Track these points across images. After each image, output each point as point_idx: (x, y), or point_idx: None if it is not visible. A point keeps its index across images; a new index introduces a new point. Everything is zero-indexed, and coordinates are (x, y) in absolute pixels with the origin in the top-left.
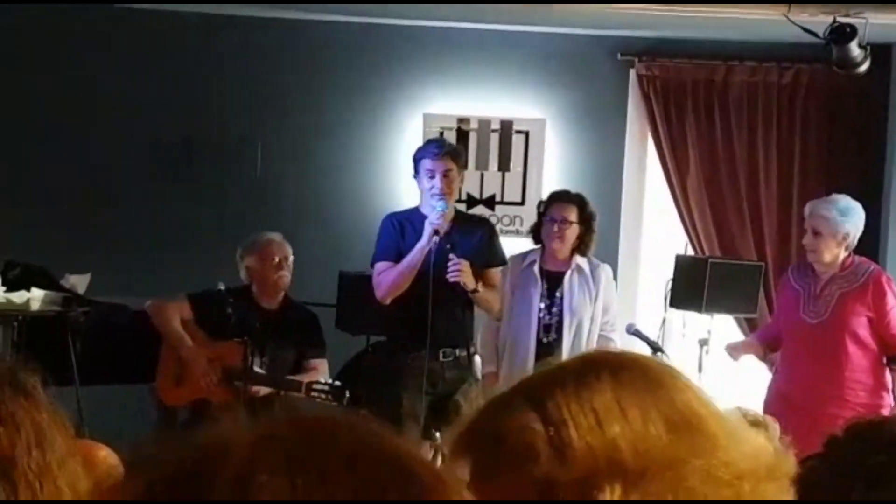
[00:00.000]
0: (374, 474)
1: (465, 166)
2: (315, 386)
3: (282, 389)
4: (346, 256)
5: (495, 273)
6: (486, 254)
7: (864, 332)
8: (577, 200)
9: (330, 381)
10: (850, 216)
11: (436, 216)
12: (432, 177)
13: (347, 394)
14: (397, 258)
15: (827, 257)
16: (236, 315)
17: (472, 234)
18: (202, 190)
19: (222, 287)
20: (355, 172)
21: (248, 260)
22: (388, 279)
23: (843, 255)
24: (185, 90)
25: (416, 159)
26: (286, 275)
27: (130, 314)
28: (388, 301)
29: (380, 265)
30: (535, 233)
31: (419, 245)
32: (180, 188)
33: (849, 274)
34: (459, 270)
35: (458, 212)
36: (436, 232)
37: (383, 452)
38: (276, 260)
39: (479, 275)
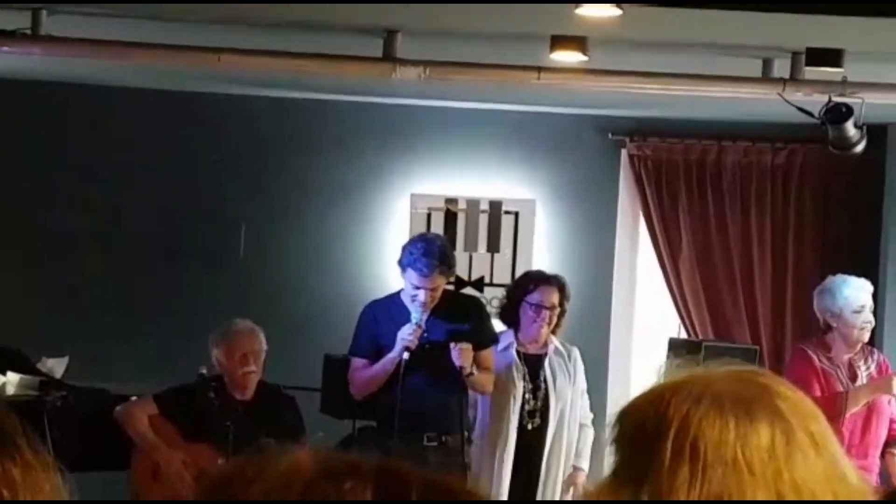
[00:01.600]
0: None
1: (451, 269)
2: None
3: None
4: (331, 339)
5: (488, 354)
6: (478, 335)
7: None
8: (559, 283)
9: None
10: None
11: (408, 332)
12: (416, 288)
13: None
14: (372, 352)
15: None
16: (218, 401)
17: (461, 314)
18: (183, 272)
19: (204, 371)
20: (341, 253)
21: (216, 351)
22: (361, 381)
23: None
24: (165, 171)
25: (403, 266)
26: (252, 370)
27: (110, 399)
28: (360, 398)
29: (355, 361)
30: (506, 316)
31: (390, 356)
32: (161, 271)
33: (864, 354)
34: (462, 352)
35: (447, 291)
36: (406, 348)
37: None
38: (242, 354)
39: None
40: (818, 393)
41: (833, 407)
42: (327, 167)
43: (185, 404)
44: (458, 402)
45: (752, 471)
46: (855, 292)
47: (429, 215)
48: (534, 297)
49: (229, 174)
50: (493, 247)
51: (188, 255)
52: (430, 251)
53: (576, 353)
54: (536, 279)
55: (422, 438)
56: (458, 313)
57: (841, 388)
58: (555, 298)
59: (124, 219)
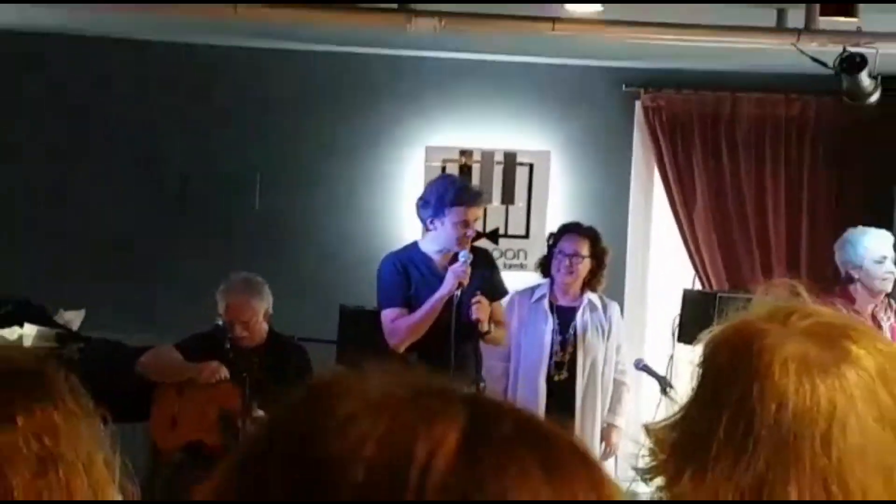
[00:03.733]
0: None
1: (483, 206)
2: None
3: None
4: (345, 291)
5: (500, 307)
6: (489, 287)
7: None
8: (590, 234)
9: None
10: None
11: (460, 267)
12: (465, 226)
13: None
14: (405, 303)
15: None
16: (231, 352)
17: (477, 267)
18: (199, 224)
19: (220, 322)
20: (356, 205)
21: (220, 305)
22: (406, 328)
23: None
24: (181, 123)
25: (448, 204)
26: (248, 336)
27: (126, 350)
28: (402, 349)
29: (390, 312)
30: (545, 266)
31: (440, 293)
32: (177, 222)
33: (885, 305)
34: (479, 305)
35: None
36: (459, 284)
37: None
38: (229, 320)
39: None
40: None
41: None
42: (341, 120)
43: (206, 351)
44: (478, 355)
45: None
46: (876, 242)
47: (444, 168)
48: (563, 246)
49: (244, 127)
50: (508, 198)
51: (203, 207)
52: (465, 184)
53: (614, 308)
54: (567, 229)
55: None
56: (475, 269)
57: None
58: (583, 248)
59: (140, 171)
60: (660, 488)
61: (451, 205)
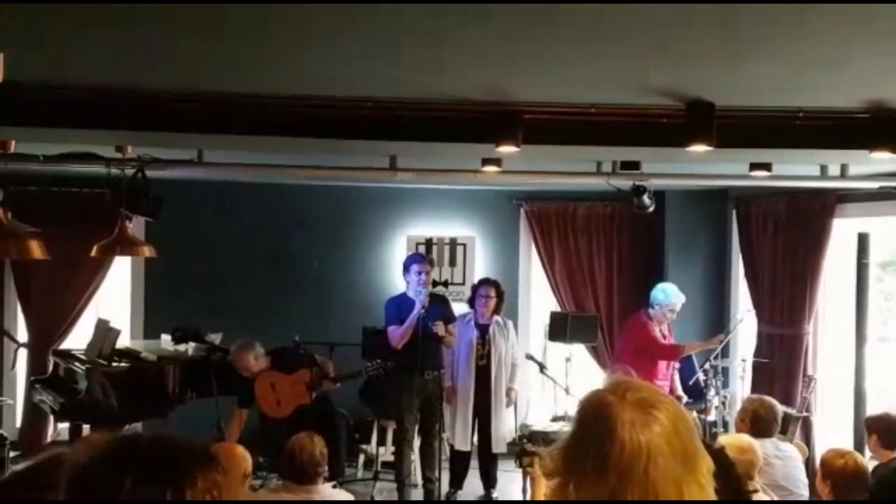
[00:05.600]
0: None
1: (433, 265)
2: (369, 370)
3: (349, 379)
4: (366, 317)
5: (452, 326)
6: (447, 316)
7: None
8: (495, 283)
9: (370, 364)
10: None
11: (420, 298)
12: (419, 274)
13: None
14: (399, 322)
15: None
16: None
17: (438, 305)
18: (284, 282)
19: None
20: (367, 271)
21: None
22: (399, 335)
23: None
24: (275, 228)
25: (408, 264)
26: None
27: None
28: (399, 347)
29: (391, 328)
30: (471, 302)
31: (413, 314)
32: (270, 287)
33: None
34: (439, 326)
35: (432, 294)
36: (422, 307)
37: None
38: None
39: (443, 328)
40: (660, 343)
41: (673, 351)
42: (358, 224)
43: (290, 351)
44: (439, 352)
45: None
46: (672, 291)
47: (417, 245)
48: (480, 291)
49: (307, 231)
50: (453, 262)
51: (286, 277)
52: (422, 255)
53: (510, 324)
54: (482, 282)
55: (424, 373)
56: (437, 306)
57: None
58: (491, 292)
59: (255, 256)
60: (551, 487)
61: (411, 265)
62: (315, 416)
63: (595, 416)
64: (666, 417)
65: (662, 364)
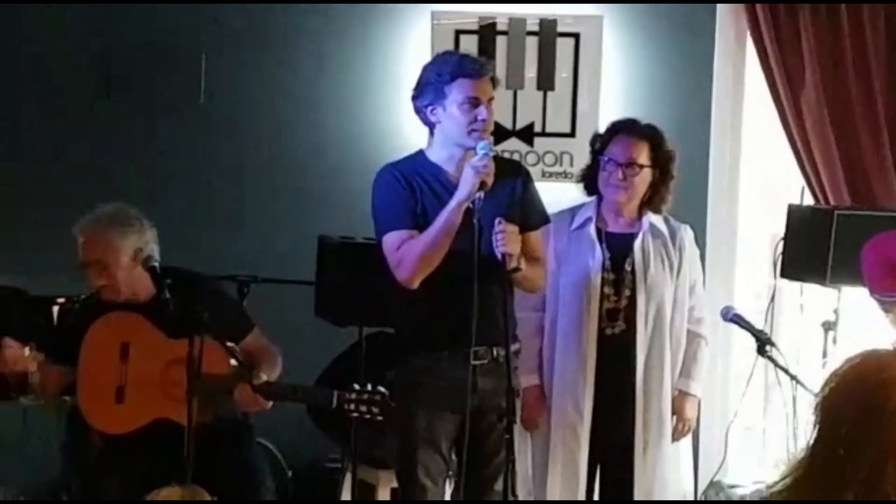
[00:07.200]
0: None
1: (495, 86)
2: (348, 399)
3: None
4: (325, 217)
5: (536, 238)
6: (522, 213)
7: None
8: (650, 134)
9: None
10: None
11: (480, 161)
12: (475, 105)
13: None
14: (413, 224)
15: None
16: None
17: (507, 186)
18: (121, 120)
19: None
20: (339, 98)
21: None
22: (416, 254)
23: None
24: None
25: (448, 78)
26: (105, 284)
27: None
28: (416, 283)
29: (394, 237)
30: (589, 180)
31: (457, 199)
32: (95, 113)
33: None
34: (505, 234)
35: (496, 157)
36: (482, 184)
37: None
38: (79, 264)
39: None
40: None
41: None
42: None
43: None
44: (508, 306)
45: None
46: None
47: (456, 39)
48: (610, 151)
49: (189, 21)
50: (546, 83)
51: (131, 97)
52: (466, 54)
53: (685, 233)
54: (618, 129)
55: (466, 356)
56: (505, 188)
57: None
58: (639, 154)
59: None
60: None
61: (452, 79)
62: (208, 444)
63: (862, 407)
64: None
65: None
